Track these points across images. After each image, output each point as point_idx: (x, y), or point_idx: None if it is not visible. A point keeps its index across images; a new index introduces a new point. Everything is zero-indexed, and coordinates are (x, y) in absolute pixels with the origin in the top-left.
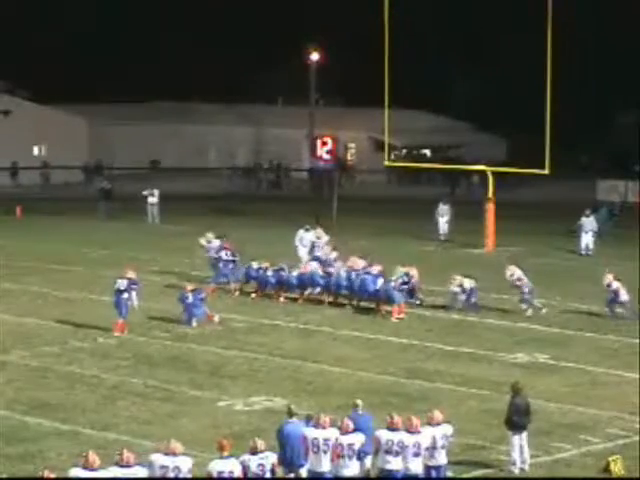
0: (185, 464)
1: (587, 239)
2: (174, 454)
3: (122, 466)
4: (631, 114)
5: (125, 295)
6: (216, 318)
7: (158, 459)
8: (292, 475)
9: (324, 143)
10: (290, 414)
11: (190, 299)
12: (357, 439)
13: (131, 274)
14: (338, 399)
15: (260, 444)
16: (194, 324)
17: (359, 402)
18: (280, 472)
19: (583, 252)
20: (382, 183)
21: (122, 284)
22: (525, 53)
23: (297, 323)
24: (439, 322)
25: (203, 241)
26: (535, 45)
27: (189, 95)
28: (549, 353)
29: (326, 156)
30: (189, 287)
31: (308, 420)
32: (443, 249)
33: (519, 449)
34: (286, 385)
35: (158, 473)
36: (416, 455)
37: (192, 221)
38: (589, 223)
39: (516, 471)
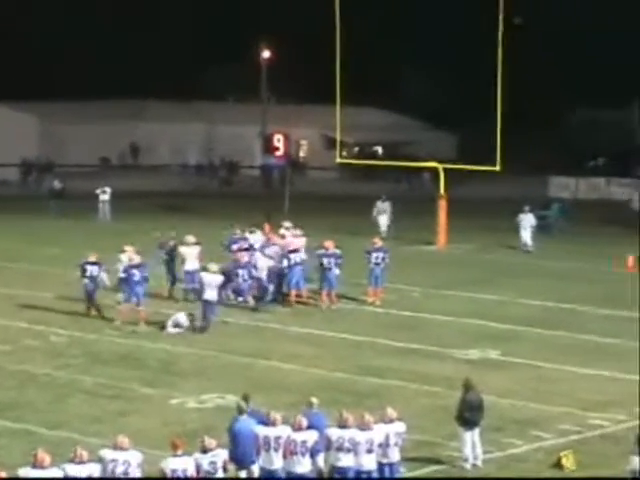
0: (134, 458)
1: (526, 235)
2: (122, 449)
3: (76, 463)
4: (584, 111)
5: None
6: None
7: (107, 454)
8: (244, 472)
9: (276, 140)
10: (240, 411)
11: (137, 276)
12: (310, 436)
13: (93, 257)
14: (290, 396)
15: (210, 442)
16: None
17: (314, 400)
18: (232, 469)
19: (523, 248)
20: (334, 180)
21: (93, 270)
22: (476, 49)
23: (247, 320)
24: (390, 319)
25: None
26: (486, 41)
27: (141, 93)
28: (501, 349)
29: (278, 153)
30: (134, 258)
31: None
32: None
33: (471, 445)
34: (237, 382)
35: (109, 468)
36: (369, 452)
37: (143, 218)
38: (527, 219)
39: (468, 467)
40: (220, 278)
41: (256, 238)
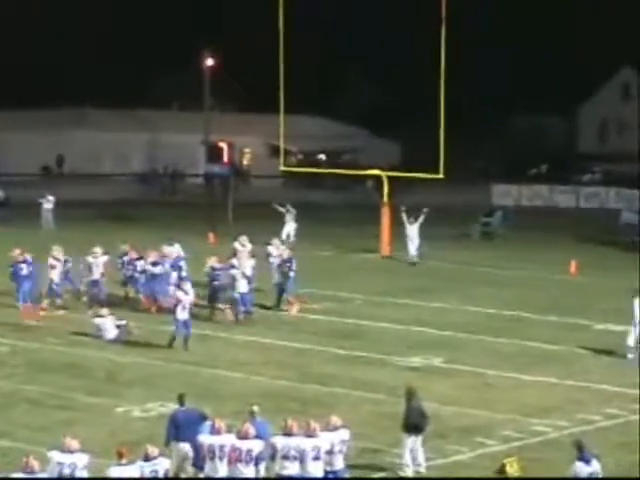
0: (81, 461)
1: (412, 247)
2: (70, 451)
3: (26, 472)
4: (526, 118)
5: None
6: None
7: (54, 456)
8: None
9: (220, 148)
10: (181, 402)
11: (24, 270)
12: (256, 445)
13: (22, 255)
14: (234, 404)
15: (153, 450)
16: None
17: (255, 408)
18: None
19: (409, 260)
20: (278, 188)
21: (20, 268)
22: (420, 58)
23: (193, 329)
24: (333, 326)
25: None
26: (429, 49)
27: (83, 101)
28: (444, 356)
29: (222, 161)
30: (18, 253)
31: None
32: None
33: (411, 451)
34: (182, 391)
35: (55, 470)
36: (316, 459)
37: (85, 227)
38: (412, 230)
39: (409, 473)
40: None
41: (173, 250)
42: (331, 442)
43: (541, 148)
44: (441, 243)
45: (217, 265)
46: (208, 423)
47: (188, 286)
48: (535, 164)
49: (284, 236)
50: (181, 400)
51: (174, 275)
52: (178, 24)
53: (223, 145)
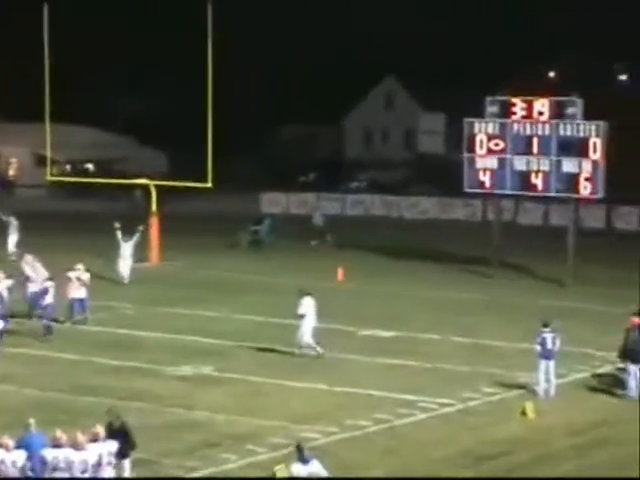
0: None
1: (124, 265)
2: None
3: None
4: (295, 127)
5: None
6: None
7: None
8: None
9: None
10: None
11: None
12: (19, 456)
13: None
14: (5, 417)
15: None
16: None
17: (31, 421)
18: None
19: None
20: (43, 198)
21: None
22: (187, 67)
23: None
24: (105, 337)
25: None
26: (197, 59)
27: None
28: (214, 365)
29: None
30: None
31: None
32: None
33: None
34: None
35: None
36: (83, 472)
37: None
38: (126, 248)
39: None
40: None
41: None
42: (99, 454)
43: (310, 157)
44: (211, 252)
45: None
46: None
47: None
48: (304, 172)
49: (11, 248)
50: None
51: None
52: None
53: None
